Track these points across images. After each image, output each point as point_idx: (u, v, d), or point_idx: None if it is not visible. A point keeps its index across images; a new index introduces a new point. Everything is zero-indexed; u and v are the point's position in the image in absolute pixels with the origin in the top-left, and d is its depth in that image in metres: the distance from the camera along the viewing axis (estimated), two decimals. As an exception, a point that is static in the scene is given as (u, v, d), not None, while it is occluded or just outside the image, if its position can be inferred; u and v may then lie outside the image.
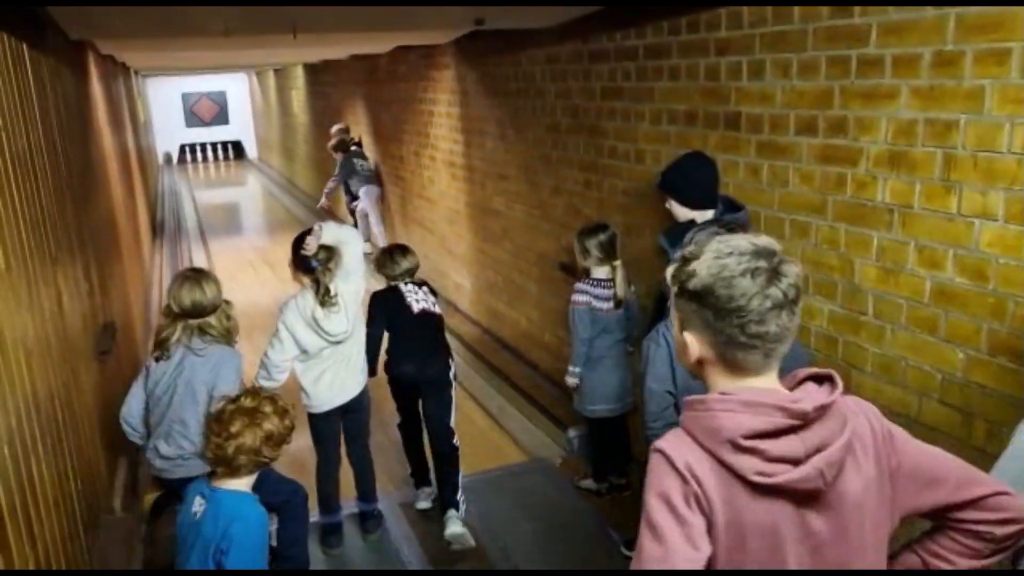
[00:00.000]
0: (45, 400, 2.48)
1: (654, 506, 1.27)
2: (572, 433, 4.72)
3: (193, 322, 3.14)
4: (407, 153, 8.55)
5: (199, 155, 22.91)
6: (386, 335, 3.95)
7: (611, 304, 3.77)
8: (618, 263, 3.78)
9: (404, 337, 3.91)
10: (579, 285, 3.82)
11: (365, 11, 3.74)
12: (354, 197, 9.97)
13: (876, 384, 2.85)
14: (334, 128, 10.18)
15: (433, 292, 4.05)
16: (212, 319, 3.16)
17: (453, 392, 3.99)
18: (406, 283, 3.93)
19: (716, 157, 3.35)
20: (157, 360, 3.16)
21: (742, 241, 1.31)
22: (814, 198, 3.01)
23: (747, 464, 1.25)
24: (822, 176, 2.96)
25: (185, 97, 22.30)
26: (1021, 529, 1.39)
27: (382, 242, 9.87)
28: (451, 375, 3.96)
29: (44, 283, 2.75)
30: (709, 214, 3.10)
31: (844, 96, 2.81)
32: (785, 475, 1.25)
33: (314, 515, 3.76)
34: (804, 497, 1.28)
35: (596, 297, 3.77)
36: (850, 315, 2.93)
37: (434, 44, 6.95)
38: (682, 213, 3.13)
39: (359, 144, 10.05)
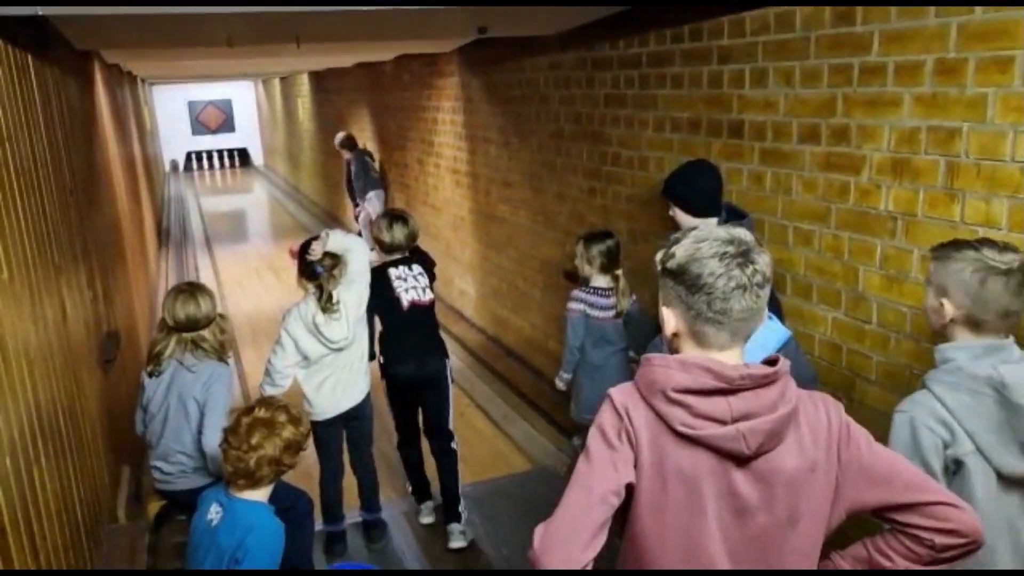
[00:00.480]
0: (48, 409, 2.48)
1: (592, 435, 1.50)
2: (576, 441, 4.70)
3: (187, 336, 3.13)
4: (411, 160, 8.56)
5: (205, 163, 23.00)
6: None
7: (611, 313, 3.74)
8: (620, 272, 3.77)
9: (397, 333, 3.86)
10: (576, 293, 3.81)
11: (367, 20, 3.75)
12: (356, 202, 9.88)
13: (881, 392, 2.83)
14: (338, 137, 10.15)
15: (426, 266, 3.91)
16: (206, 333, 3.16)
17: (451, 390, 3.97)
18: (397, 265, 3.83)
19: (719, 165, 3.34)
20: (150, 375, 3.17)
21: (720, 231, 1.48)
22: (817, 206, 3.00)
23: (675, 414, 1.44)
24: (825, 184, 2.95)
25: (191, 105, 22.40)
26: (962, 543, 1.47)
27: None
28: (448, 372, 3.94)
29: (47, 292, 2.76)
30: (713, 222, 3.09)
31: (847, 104, 2.80)
32: (708, 431, 1.43)
33: (318, 524, 3.75)
34: (729, 457, 1.44)
35: (592, 306, 3.75)
36: (854, 323, 2.92)
37: (438, 52, 6.97)
38: (686, 220, 3.13)
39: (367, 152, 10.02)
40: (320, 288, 3.53)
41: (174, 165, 22.19)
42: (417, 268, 3.88)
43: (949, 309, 1.90)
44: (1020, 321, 1.93)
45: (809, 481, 1.48)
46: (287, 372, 3.62)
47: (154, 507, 3.40)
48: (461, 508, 3.93)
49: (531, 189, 5.53)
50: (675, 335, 1.52)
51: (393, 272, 3.82)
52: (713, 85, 3.48)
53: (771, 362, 1.49)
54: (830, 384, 3.05)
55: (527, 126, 5.46)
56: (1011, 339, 1.91)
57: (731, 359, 1.48)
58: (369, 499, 3.99)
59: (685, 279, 1.45)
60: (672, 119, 3.81)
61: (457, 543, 3.87)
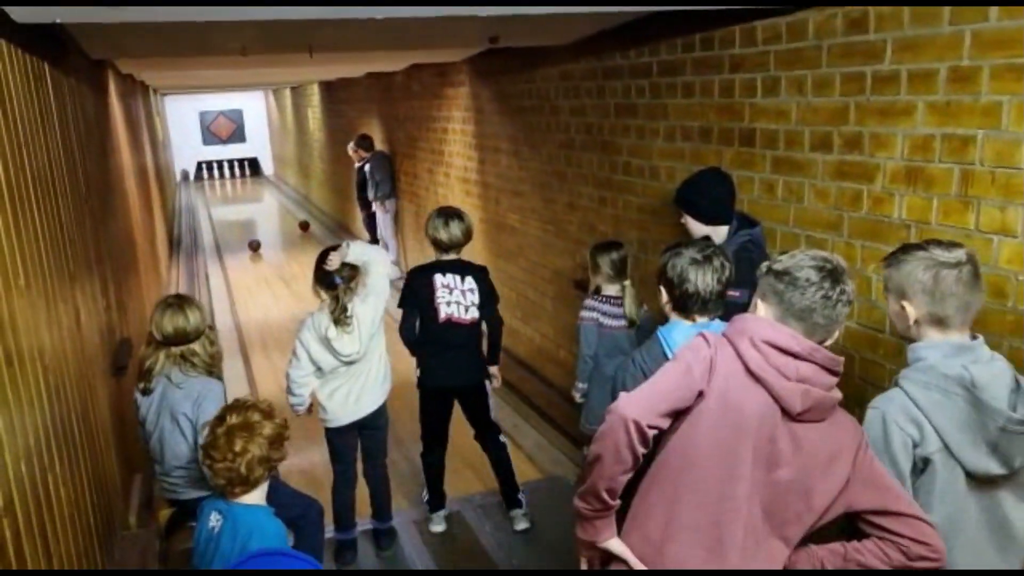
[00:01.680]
0: (62, 416, 2.49)
1: (685, 350, 1.83)
2: (587, 451, 4.69)
3: (176, 350, 3.11)
4: (421, 170, 8.59)
5: (216, 172, 23.13)
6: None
7: (622, 322, 3.74)
8: (627, 283, 3.75)
9: (431, 343, 3.79)
10: (588, 301, 3.80)
11: (380, 29, 3.77)
12: (367, 205, 9.87)
13: (894, 402, 2.81)
14: (355, 139, 10.14)
15: (481, 281, 3.78)
16: (196, 346, 3.13)
17: (489, 391, 3.98)
18: (446, 272, 3.72)
19: (731, 173, 3.34)
20: (143, 393, 3.15)
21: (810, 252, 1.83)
22: (830, 214, 2.99)
23: (754, 356, 1.72)
24: (838, 192, 2.94)
25: (202, 115, 22.56)
26: (932, 557, 1.69)
27: (393, 256, 9.89)
28: (486, 380, 3.93)
29: (62, 300, 2.78)
30: (724, 230, 3.09)
31: (859, 112, 2.80)
32: (774, 378, 1.70)
33: (329, 531, 3.75)
34: (781, 410, 1.71)
35: (604, 314, 3.73)
36: (867, 332, 2.90)
37: (448, 62, 7.00)
38: (697, 229, 3.13)
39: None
40: (336, 300, 3.48)
41: (185, 175, 22.34)
42: (470, 282, 3.76)
43: (911, 311, 1.95)
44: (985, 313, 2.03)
45: (826, 466, 1.71)
46: (304, 382, 3.61)
47: (165, 514, 3.41)
48: (520, 495, 4.01)
49: (541, 198, 5.54)
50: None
51: (439, 279, 3.72)
52: (724, 94, 3.48)
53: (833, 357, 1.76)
54: (843, 393, 3.03)
55: (537, 135, 5.47)
56: (980, 340, 1.95)
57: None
58: (381, 508, 3.98)
59: (783, 280, 1.80)
60: (683, 128, 3.82)
61: (521, 525, 4.02)
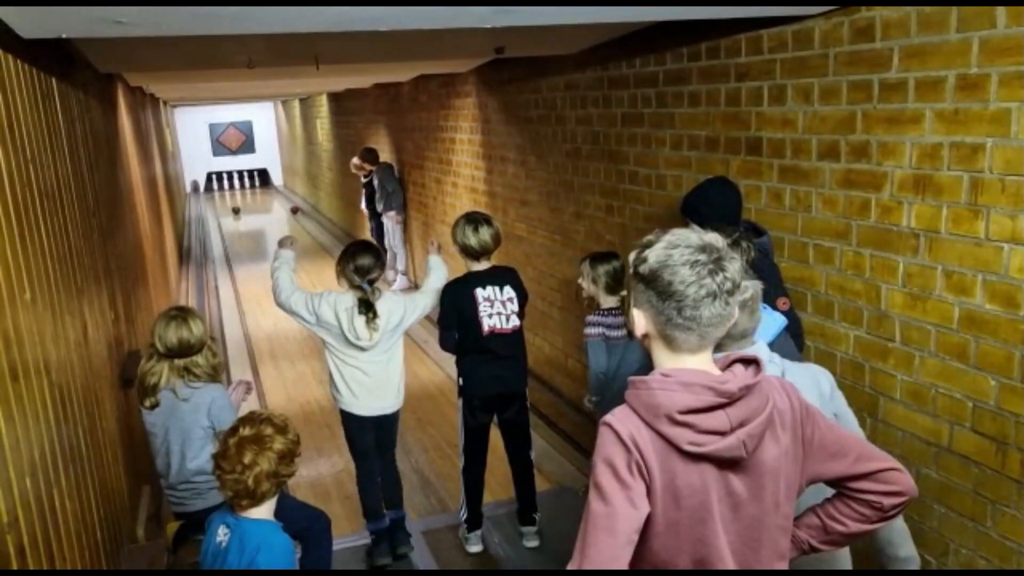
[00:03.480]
0: (69, 430, 2.49)
1: (602, 471, 1.47)
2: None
3: (179, 362, 3.10)
4: (429, 180, 8.60)
5: (226, 183, 23.25)
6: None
7: (624, 332, 3.69)
8: (624, 293, 3.70)
9: (474, 355, 3.74)
10: (590, 317, 3.70)
11: (386, 40, 3.78)
12: (375, 215, 9.90)
13: (906, 412, 2.79)
14: (355, 161, 10.17)
15: (517, 288, 3.73)
16: (199, 358, 3.13)
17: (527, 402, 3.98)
18: (485, 285, 3.65)
19: (738, 182, 3.33)
20: (150, 408, 3.13)
21: (693, 236, 1.49)
22: (838, 223, 2.97)
23: (681, 435, 1.45)
24: (846, 201, 2.92)
25: (212, 127, 22.70)
26: (903, 501, 1.61)
27: (401, 265, 9.88)
28: (526, 388, 3.92)
29: (69, 313, 2.78)
30: (731, 240, 3.08)
31: (867, 121, 2.78)
32: (713, 445, 1.46)
33: (340, 542, 3.74)
34: (728, 463, 1.49)
35: (609, 327, 3.69)
36: (877, 341, 2.88)
37: (455, 72, 7.01)
38: (704, 239, 3.11)
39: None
40: (362, 301, 3.53)
41: (195, 186, 22.46)
42: (508, 291, 3.69)
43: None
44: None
45: (785, 465, 1.56)
46: (287, 292, 3.68)
47: (172, 527, 3.40)
48: (536, 514, 3.98)
49: (548, 208, 5.53)
50: (645, 336, 1.55)
51: (480, 293, 3.65)
52: (731, 103, 3.47)
53: (747, 360, 1.54)
54: (853, 403, 3.00)
55: (544, 145, 5.47)
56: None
57: (701, 363, 1.52)
58: (394, 497, 3.97)
59: (656, 285, 1.47)
60: (689, 137, 3.80)
61: (532, 543, 3.97)
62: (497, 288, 3.68)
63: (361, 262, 3.57)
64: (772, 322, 2.41)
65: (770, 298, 2.86)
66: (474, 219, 3.68)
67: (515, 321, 3.71)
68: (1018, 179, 2.30)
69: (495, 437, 3.99)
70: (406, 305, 3.69)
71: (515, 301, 3.72)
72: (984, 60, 2.35)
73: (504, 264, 4.00)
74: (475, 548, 4.01)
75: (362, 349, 3.61)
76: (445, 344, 3.82)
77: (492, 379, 3.76)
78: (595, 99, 4.68)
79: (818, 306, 3.13)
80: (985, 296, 2.45)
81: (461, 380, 3.83)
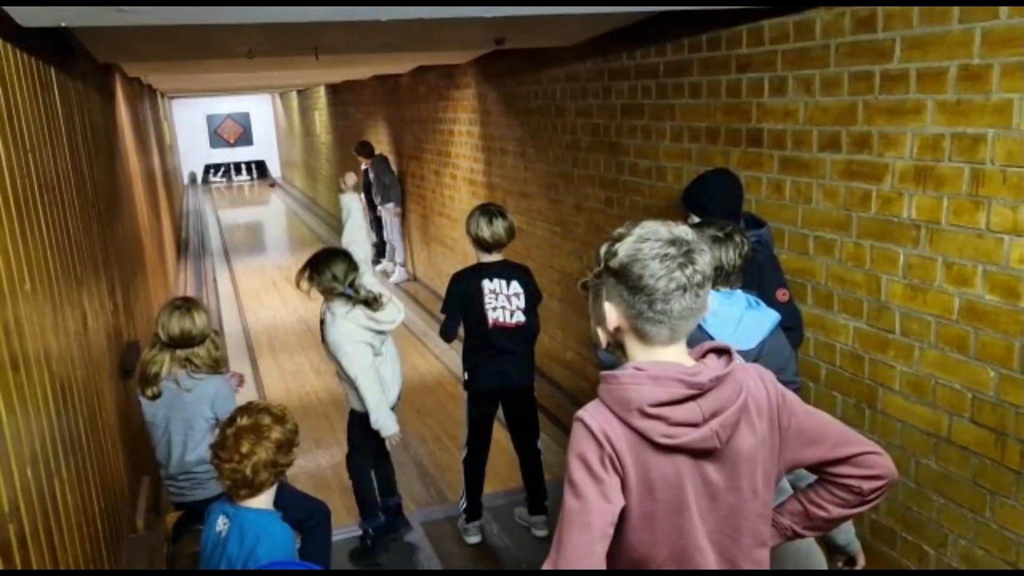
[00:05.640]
0: (69, 421, 2.49)
1: (575, 467, 1.47)
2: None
3: (181, 353, 3.10)
4: (428, 172, 8.59)
5: (223, 175, 23.21)
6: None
7: None
8: None
9: (480, 349, 3.73)
10: None
11: (385, 31, 3.76)
12: (372, 208, 9.87)
13: (905, 403, 2.79)
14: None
15: (526, 286, 3.71)
16: (200, 349, 3.13)
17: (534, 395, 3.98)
18: (492, 278, 3.63)
19: (738, 174, 3.32)
20: (151, 398, 3.13)
21: (663, 229, 1.48)
22: (838, 215, 2.97)
23: (654, 428, 1.45)
24: (846, 192, 2.92)
25: (210, 119, 22.65)
26: (883, 484, 1.60)
27: (400, 258, 9.87)
28: (532, 382, 3.92)
29: (69, 303, 2.78)
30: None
31: (868, 112, 2.78)
32: (686, 436, 1.45)
33: (341, 529, 3.75)
34: (702, 453, 1.49)
35: None
36: (877, 333, 2.88)
37: (455, 64, 6.99)
38: (704, 230, 3.11)
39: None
40: (365, 303, 3.50)
41: (193, 177, 22.41)
42: (516, 286, 3.68)
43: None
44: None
45: (762, 453, 1.55)
46: (370, 369, 3.57)
47: (172, 517, 3.40)
48: (547, 503, 3.99)
49: (548, 200, 5.52)
50: (617, 329, 1.54)
51: (487, 285, 3.64)
52: (732, 94, 3.46)
53: (720, 350, 1.54)
54: (852, 395, 3.01)
55: (544, 137, 5.46)
56: None
57: (674, 355, 1.51)
58: (386, 483, 4.00)
59: (627, 279, 1.46)
60: (690, 129, 3.80)
61: (541, 532, 3.98)
62: (503, 282, 3.67)
63: (336, 270, 3.48)
64: (766, 320, 2.41)
65: (770, 289, 2.87)
66: (489, 211, 3.66)
67: (520, 316, 3.69)
68: (1019, 170, 2.30)
69: (498, 429, 4.00)
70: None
71: (522, 297, 3.69)
72: (986, 51, 2.35)
73: (509, 256, 3.98)
74: (473, 539, 4.03)
75: (386, 333, 3.64)
76: (448, 333, 3.78)
77: (495, 375, 3.77)
78: (595, 90, 4.67)
79: (818, 297, 3.13)
80: (985, 287, 2.45)
81: (466, 375, 3.84)
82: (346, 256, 3.55)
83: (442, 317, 3.82)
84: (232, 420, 2.37)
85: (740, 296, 2.45)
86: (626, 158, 4.42)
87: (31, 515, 1.88)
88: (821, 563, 2.35)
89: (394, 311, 3.58)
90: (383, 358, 3.69)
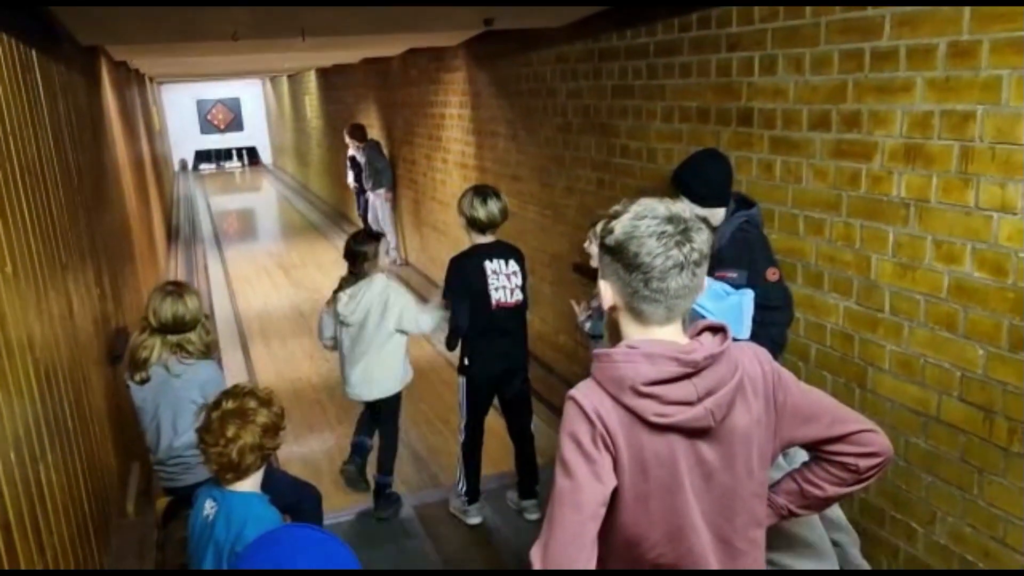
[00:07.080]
0: (54, 406, 2.47)
1: (567, 446, 1.46)
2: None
3: (172, 338, 3.07)
4: (419, 156, 8.55)
5: (214, 161, 23.08)
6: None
7: None
8: None
9: (481, 332, 3.73)
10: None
11: (372, 13, 3.73)
12: (361, 192, 9.82)
13: (894, 382, 2.79)
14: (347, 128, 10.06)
15: (521, 263, 3.74)
16: (192, 335, 3.09)
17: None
18: (492, 258, 3.64)
19: (729, 154, 3.31)
20: (140, 383, 3.10)
21: (660, 207, 1.46)
22: (828, 194, 2.96)
23: (647, 407, 1.43)
24: (836, 171, 2.91)
25: (200, 104, 22.48)
26: (881, 461, 1.59)
27: (393, 243, 9.84)
28: (527, 363, 3.98)
29: (54, 288, 2.75)
30: (721, 212, 3.06)
31: (858, 90, 2.76)
32: (680, 415, 1.43)
33: (333, 514, 3.78)
34: (697, 432, 1.47)
35: None
36: (867, 312, 2.87)
37: (444, 46, 6.94)
38: (695, 211, 3.09)
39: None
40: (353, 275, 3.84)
41: (183, 164, 22.28)
42: (513, 265, 3.69)
43: None
44: None
45: (757, 432, 1.53)
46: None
47: (162, 502, 3.39)
48: (539, 487, 4.01)
49: (539, 183, 5.50)
50: (613, 308, 1.53)
51: (489, 265, 3.64)
52: (722, 74, 3.44)
53: (716, 328, 1.52)
54: (842, 374, 3.01)
55: (535, 119, 5.43)
56: None
57: (670, 335, 1.49)
58: (385, 461, 4.08)
59: (623, 257, 1.45)
60: (681, 109, 3.78)
61: (534, 515, 4.00)
62: (502, 261, 3.68)
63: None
64: (750, 302, 2.40)
65: (760, 269, 2.86)
66: (483, 191, 3.66)
67: (519, 295, 3.72)
68: (1008, 147, 2.29)
69: (491, 413, 4.01)
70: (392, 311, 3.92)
71: (519, 276, 3.72)
72: (976, 27, 2.33)
73: (509, 239, 3.99)
74: (475, 520, 4.04)
75: (345, 324, 3.98)
76: (459, 321, 3.71)
77: (498, 356, 3.78)
78: (586, 72, 4.64)
79: (808, 277, 3.13)
80: (974, 265, 2.44)
81: (467, 359, 3.81)
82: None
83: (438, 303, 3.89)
84: (217, 404, 2.35)
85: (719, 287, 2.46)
86: (617, 140, 4.39)
87: (15, 499, 1.87)
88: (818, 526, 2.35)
89: (349, 306, 3.85)
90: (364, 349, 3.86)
